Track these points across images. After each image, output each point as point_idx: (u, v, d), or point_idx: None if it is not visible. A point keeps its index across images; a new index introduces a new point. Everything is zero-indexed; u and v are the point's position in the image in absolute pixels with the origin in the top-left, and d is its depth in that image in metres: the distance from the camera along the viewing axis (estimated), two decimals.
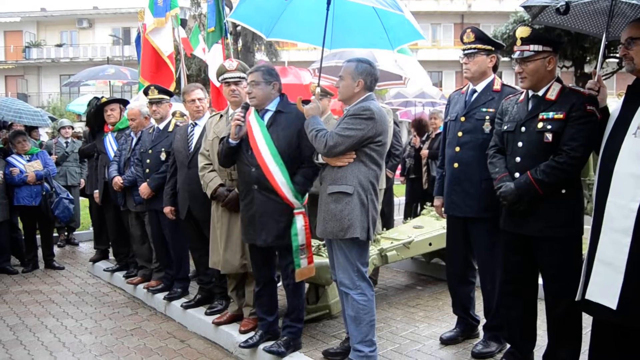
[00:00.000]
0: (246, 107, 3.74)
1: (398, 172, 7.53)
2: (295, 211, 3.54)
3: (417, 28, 3.80)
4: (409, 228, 5.41)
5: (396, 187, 7.84)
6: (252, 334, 3.93)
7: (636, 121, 2.75)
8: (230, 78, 4.19)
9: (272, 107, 3.68)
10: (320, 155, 3.37)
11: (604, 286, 2.72)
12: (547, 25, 3.73)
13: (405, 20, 3.70)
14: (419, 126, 7.93)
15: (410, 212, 7.78)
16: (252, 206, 3.66)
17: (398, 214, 7.99)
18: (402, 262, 5.65)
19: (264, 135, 3.59)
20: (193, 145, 4.64)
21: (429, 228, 5.32)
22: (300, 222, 3.54)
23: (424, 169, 7.46)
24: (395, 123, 6.41)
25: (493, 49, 3.75)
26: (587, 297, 2.81)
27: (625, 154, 2.72)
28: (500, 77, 3.84)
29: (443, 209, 3.93)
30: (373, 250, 4.66)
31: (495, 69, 3.81)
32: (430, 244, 5.16)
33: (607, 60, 14.20)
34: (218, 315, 4.43)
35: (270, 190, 3.55)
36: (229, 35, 7.02)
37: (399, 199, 8.20)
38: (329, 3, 3.62)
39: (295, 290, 3.72)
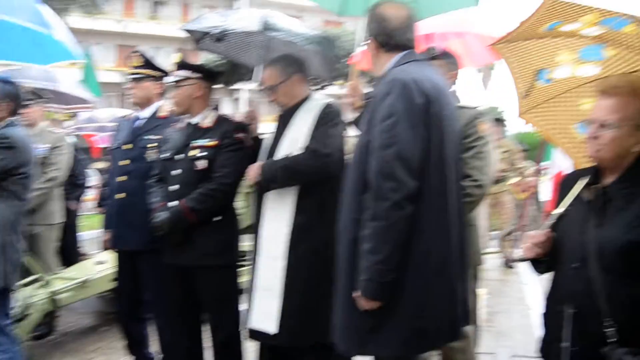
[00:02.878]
0: None
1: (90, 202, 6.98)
2: None
3: (69, 47, 3.49)
4: (91, 264, 4.97)
5: (92, 218, 7.27)
6: None
7: (282, 149, 2.93)
8: None
9: None
10: None
11: (264, 312, 2.81)
12: (209, 51, 3.79)
13: (54, 40, 3.37)
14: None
15: None
16: None
17: (96, 248, 7.39)
18: (89, 301, 5.16)
19: None
20: None
21: (112, 263, 4.96)
22: None
23: None
24: (80, 149, 5.94)
25: (161, 75, 3.66)
26: (251, 324, 2.87)
27: None
28: None
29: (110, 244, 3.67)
30: (42, 294, 4.13)
31: (162, 95, 3.72)
32: (113, 280, 4.81)
33: None
34: None
35: None
36: None
37: (96, 232, 7.62)
38: None
39: None
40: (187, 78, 3.11)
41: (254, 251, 2.97)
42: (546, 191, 9.57)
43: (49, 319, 4.63)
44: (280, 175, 2.82)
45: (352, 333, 2.15)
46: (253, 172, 2.88)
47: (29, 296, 4.01)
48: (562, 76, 2.22)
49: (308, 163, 2.78)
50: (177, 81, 3.12)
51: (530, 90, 2.29)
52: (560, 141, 2.36)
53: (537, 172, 7.57)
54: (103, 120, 8.03)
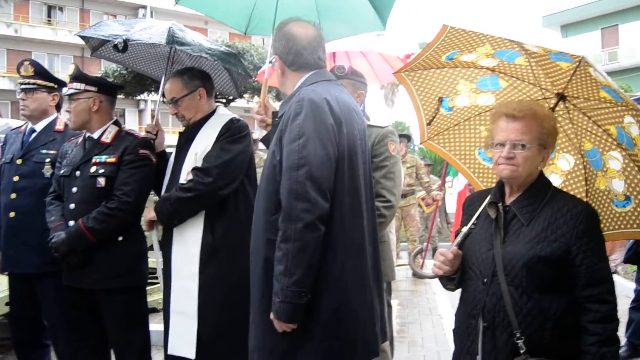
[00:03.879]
0: None
1: None
2: None
3: None
4: None
5: None
6: None
7: (187, 166, 2.82)
8: None
9: None
10: None
11: (181, 337, 2.69)
12: (107, 60, 3.64)
13: None
14: None
15: None
16: None
17: None
18: None
19: None
20: None
21: (5, 286, 4.59)
22: None
23: None
24: None
25: (55, 86, 3.43)
26: (169, 351, 2.73)
27: None
28: None
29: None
30: None
31: (58, 107, 3.49)
32: (7, 304, 4.45)
33: None
34: None
35: None
36: None
37: None
38: None
39: None
40: (84, 91, 2.94)
41: (165, 271, 2.84)
42: (452, 204, 10.02)
43: None
44: (174, 212, 2.73)
45: (268, 355, 2.08)
46: (148, 215, 2.79)
47: None
48: (463, 104, 2.30)
49: (195, 187, 2.68)
50: (72, 94, 2.94)
51: (434, 117, 2.35)
52: (463, 167, 2.43)
53: (442, 187, 7.91)
54: None
